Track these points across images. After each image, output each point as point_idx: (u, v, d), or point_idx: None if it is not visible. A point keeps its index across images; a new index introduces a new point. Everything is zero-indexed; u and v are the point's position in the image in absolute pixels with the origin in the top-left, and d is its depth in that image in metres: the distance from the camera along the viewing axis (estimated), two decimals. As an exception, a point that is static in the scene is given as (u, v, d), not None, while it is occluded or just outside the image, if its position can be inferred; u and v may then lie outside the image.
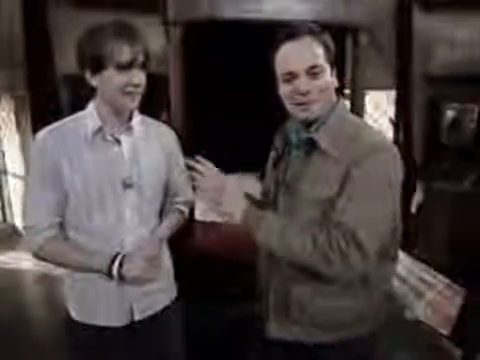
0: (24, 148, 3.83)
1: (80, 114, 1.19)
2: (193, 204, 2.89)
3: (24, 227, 1.18)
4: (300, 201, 1.07)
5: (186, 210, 1.45)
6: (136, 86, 1.11)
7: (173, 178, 1.35)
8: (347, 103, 2.20)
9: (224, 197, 1.05)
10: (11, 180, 4.32)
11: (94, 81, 1.12)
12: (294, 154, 1.14)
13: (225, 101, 3.54)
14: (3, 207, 4.44)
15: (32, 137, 2.97)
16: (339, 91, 1.13)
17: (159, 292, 1.30)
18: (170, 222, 1.36)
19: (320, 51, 1.05)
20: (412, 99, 3.35)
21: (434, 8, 3.29)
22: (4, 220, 4.45)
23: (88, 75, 1.11)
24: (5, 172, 4.35)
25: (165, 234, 1.33)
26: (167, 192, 1.36)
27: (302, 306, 1.09)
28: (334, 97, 1.11)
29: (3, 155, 4.33)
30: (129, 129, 1.20)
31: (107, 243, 1.18)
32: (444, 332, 2.03)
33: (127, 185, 1.18)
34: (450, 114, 3.53)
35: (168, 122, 2.53)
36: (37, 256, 1.20)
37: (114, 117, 1.17)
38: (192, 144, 2.58)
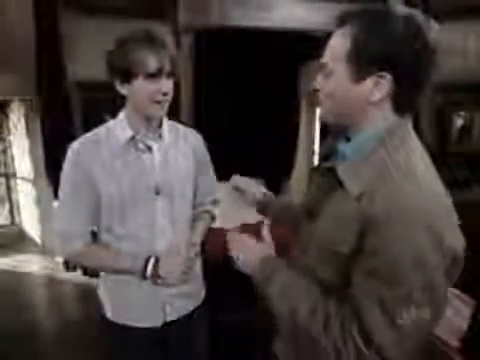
0: (33, 152, 3.87)
1: (111, 123, 1.23)
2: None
3: (58, 232, 1.21)
4: (315, 238, 0.90)
5: (214, 210, 1.51)
6: (164, 94, 1.13)
7: (201, 181, 1.40)
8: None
9: (244, 249, 0.99)
10: (20, 184, 4.36)
11: (124, 90, 1.15)
12: (318, 178, 0.98)
13: (234, 106, 3.56)
14: (12, 210, 4.48)
15: (41, 141, 3.01)
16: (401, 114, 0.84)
17: (190, 294, 1.35)
18: (201, 225, 1.43)
19: (338, 46, 0.82)
20: (421, 107, 3.34)
21: (441, 17, 3.28)
22: (12, 223, 4.49)
23: (118, 84, 1.14)
24: (14, 175, 4.39)
25: (197, 238, 1.39)
26: (196, 195, 1.40)
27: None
28: (370, 117, 0.83)
29: (12, 159, 4.37)
30: (160, 136, 1.24)
31: (139, 246, 1.21)
32: (453, 343, 1.99)
33: (158, 191, 1.21)
34: (458, 122, 3.50)
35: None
36: (70, 260, 1.28)
37: (145, 125, 1.20)
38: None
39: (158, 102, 1.14)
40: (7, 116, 4.21)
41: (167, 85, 1.13)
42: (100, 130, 1.22)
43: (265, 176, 4.00)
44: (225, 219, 2.85)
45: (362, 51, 0.78)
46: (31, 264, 3.71)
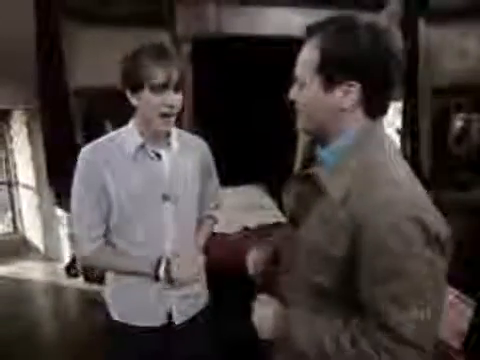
0: (35, 160, 3.90)
1: (122, 130, 1.26)
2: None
3: (75, 235, 1.27)
4: (303, 244, 0.91)
5: (216, 214, 1.56)
6: (171, 107, 1.16)
7: (206, 187, 1.44)
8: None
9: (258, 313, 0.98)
10: (22, 191, 4.38)
11: (134, 100, 1.18)
12: (298, 186, 0.98)
13: (233, 113, 3.59)
14: (14, 218, 4.50)
15: (43, 149, 3.03)
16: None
17: (196, 296, 1.38)
18: (205, 229, 1.49)
19: (308, 58, 0.85)
20: (419, 109, 3.36)
21: (441, 19, 3.30)
22: (15, 230, 4.51)
23: (128, 94, 1.18)
24: (16, 183, 4.42)
25: (202, 241, 1.45)
26: (200, 199, 1.43)
27: None
28: (344, 123, 0.87)
29: (15, 167, 4.40)
30: (168, 144, 1.27)
31: (149, 250, 1.25)
32: (454, 345, 1.99)
33: (167, 198, 1.25)
34: (458, 124, 3.52)
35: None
36: (85, 261, 1.32)
37: (154, 135, 1.23)
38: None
39: (165, 115, 1.16)
40: (9, 125, 4.25)
41: (174, 98, 1.16)
42: (111, 136, 1.26)
43: (266, 180, 4.03)
44: (226, 223, 2.87)
45: (330, 63, 0.82)
46: (33, 271, 3.73)
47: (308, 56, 0.85)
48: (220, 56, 2.75)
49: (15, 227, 4.52)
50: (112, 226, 1.25)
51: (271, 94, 3.71)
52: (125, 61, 1.17)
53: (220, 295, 2.19)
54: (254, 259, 1.19)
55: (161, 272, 1.21)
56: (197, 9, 1.95)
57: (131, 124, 1.26)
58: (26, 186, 4.25)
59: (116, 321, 1.31)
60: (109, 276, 1.36)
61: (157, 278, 1.22)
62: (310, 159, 1.00)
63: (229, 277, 2.21)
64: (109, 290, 1.37)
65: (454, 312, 2.05)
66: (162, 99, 1.14)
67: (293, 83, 0.92)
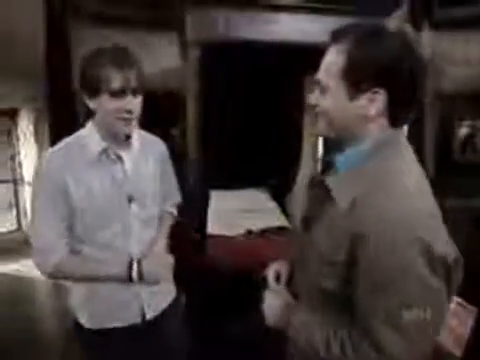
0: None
1: (81, 134, 1.23)
2: (205, 220, 2.93)
3: (37, 249, 1.21)
4: (312, 249, 0.92)
5: (175, 211, 1.57)
6: (129, 112, 1.13)
7: (166, 185, 1.45)
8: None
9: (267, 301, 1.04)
10: (27, 189, 4.41)
11: (92, 104, 1.16)
12: (311, 191, 1.00)
13: (239, 117, 3.61)
14: (18, 216, 4.53)
15: (49, 148, 3.06)
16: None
17: (164, 291, 1.40)
18: (166, 226, 1.48)
19: (333, 62, 0.83)
20: (424, 116, 3.36)
21: (445, 26, 3.32)
22: (19, 228, 4.54)
23: (86, 98, 1.15)
24: (22, 181, 4.45)
25: (165, 238, 1.44)
26: (161, 198, 1.43)
27: None
28: (367, 131, 0.84)
29: (20, 165, 4.44)
30: (129, 146, 1.26)
31: (116, 253, 1.24)
32: (455, 352, 1.99)
33: (131, 198, 1.25)
34: (462, 131, 3.52)
35: (178, 137, 2.58)
36: (51, 276, 1.25)
37: (114, 137, 1.21)
38: (207, 159, 2.63)
39: (123, 119, 1.14)
40: (16, 123, 4.28)
41: (132, 103, 1.14)
42: (70, 141, 1.22)
43: (270, 184, 4.04)
44: (230, 226, 2.88)
45: (357, 69, 0.79)
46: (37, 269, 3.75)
47: (333, 60, 0.83)
48: (229, 61, 2.77)
49: (19, 225, 4.54)
50: (76, 232, 1.21)
51: (278, 99, 3.75)
52: (82, 64, 1.13)
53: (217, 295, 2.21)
54: (275, 272, 1.15)
55: (134, 273, 1.21)
56: (207, 14, 1.97)
57: (90, 126, 1.22)
58: (31, 184, 4.28)
59: (85, 328, 1.29)
60: (71, 283, 1.33)
61: (130, 279, 1.21)
62: (328, 163, 0.97)
63: (231, 279, 2.23)
64: (76, 298, 1.33)
65: (456, 319, 2.05)
66: (120, 104, 1.11)
67: (314, 88, 0.90)
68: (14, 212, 4.55)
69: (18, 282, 3.53)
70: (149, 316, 1.33)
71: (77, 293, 1.32)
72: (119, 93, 1.10)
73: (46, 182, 1.16)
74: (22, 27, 3.08)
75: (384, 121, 0.83)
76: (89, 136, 1.21)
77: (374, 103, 0.80)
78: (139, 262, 1.23)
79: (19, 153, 4.39)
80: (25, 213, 4.52)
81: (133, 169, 1.26)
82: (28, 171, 4.32)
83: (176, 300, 1.47)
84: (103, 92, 1.10)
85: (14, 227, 4.54)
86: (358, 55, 0.79)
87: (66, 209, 1.17)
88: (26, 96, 3.37)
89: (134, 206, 1.26)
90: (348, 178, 0.84)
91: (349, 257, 0.80)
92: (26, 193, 4.46)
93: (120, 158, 1.24)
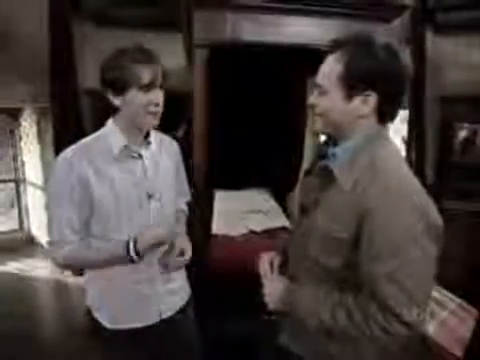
0: (44, 158, 3.94)
1: (102, 132, 1.27)
2: (210, 220, 2.94)
3: (49, 242, 1.23)
4: (315, 230, 1.04)
5: (186, 209, 1.62)
6: (157, 105, 1.20)
7: (178, 183, 1.49)
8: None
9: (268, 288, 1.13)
10: (29, 189, 4.42)
11: (117, 101, 1.19)
12: (313, 179, 1.12)
13: (246, 119, 3.64)
14: (20, 215, 4.54)
15: (52, 148, 3.06)
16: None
17: (180, 290, 1.43)
18: (182, 222, 1.53)
19: (332, 69, 0.97)
20: (425, 119, 3.38)
21: (446, 30, 3.35)
22: (21, 228, 4.54)
23: (111, 96, 1.19)
24: (24, 181, 4.46)
25: (185, 232, 1.46)
26: (176, 196, 1.47)
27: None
28: (359, 127, 1.00)
29: (22, 165, 4.45)
30: (148, 144, 1.31)
31: None
32: (456, 353, 2.01)
33: (150, 196, 1.28)
34: (463, 134, 3.54)
35: (185, 138, 2.60)
36: (61, 266, 1.29)
37: (136, 134, 1.26)
38: (213, 160, 2.65)
39: (151, 112, 1.20)
40: (19, 123, 4.29)
41: (160, 96, 1.20)
42: (90, 139, 1.26)
43: (272, 185, 4.06)
44: (232, 226, 2.90)
45: (352, 75, 0.94)
46: (39, 268, 3.75)
47: (332, 67, 0.97)
48: (235, 63, 2.79)
49: (21, 224, 4.55)
50: (93, 227, 1.23)
51: (283, 100, 3.77)
52: (106, 64, 1.18)
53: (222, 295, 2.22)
54: (267, 260, 1.24)
55: (131, 250, 1.17)
56: (214, 15, 1.99)
57: (111, 125, 1.26)
58: (33, 184, 4.29)
59: (107, 329, 1.30)
60: (92, 279, 1.33)
61: (132, 261, 1.18)
62: (321, 156, 1.12)
63: (234, 278, 2.24)
64: (96, 298, 1.34)
65: (456, 320, 2.07)
66: (149, 98, 1.17)
67: (313, 90, 1.04)
68: (16, 211, 4.55)
69: (20, 281, 3.54)
70: (164, 316, 1.35)
71: (95, 293, 1.34)
72: (149, 87, 1.16)
73: (66, 178, 1.17)
74: (26, 26, 3.10)
75: (373, 119, 1.00)
76: (110, 133, 1.24)
77: (366, 104, 0.96)
78: (135, 241, 1.19)
79: (21, 153, 4.40)
80: (27, 213, 4.53)
81: (152, 166, 1.30)
82: (30, 171, 4.33)
83: (190, 301, 1.49)
84: (132, 88, 1.15)
85: (16, 226, 4.55)
86: (353, 64, 0.94)
87: (85, 205, 1.19)
88: (29, 95, 3.38)
89: (153, 203, 1.28)
90: (349, 165, 0.98)
91: (354, 233, 0.93)
92: (28, 192, 4.47)
93: (140, 156, 1.27)
